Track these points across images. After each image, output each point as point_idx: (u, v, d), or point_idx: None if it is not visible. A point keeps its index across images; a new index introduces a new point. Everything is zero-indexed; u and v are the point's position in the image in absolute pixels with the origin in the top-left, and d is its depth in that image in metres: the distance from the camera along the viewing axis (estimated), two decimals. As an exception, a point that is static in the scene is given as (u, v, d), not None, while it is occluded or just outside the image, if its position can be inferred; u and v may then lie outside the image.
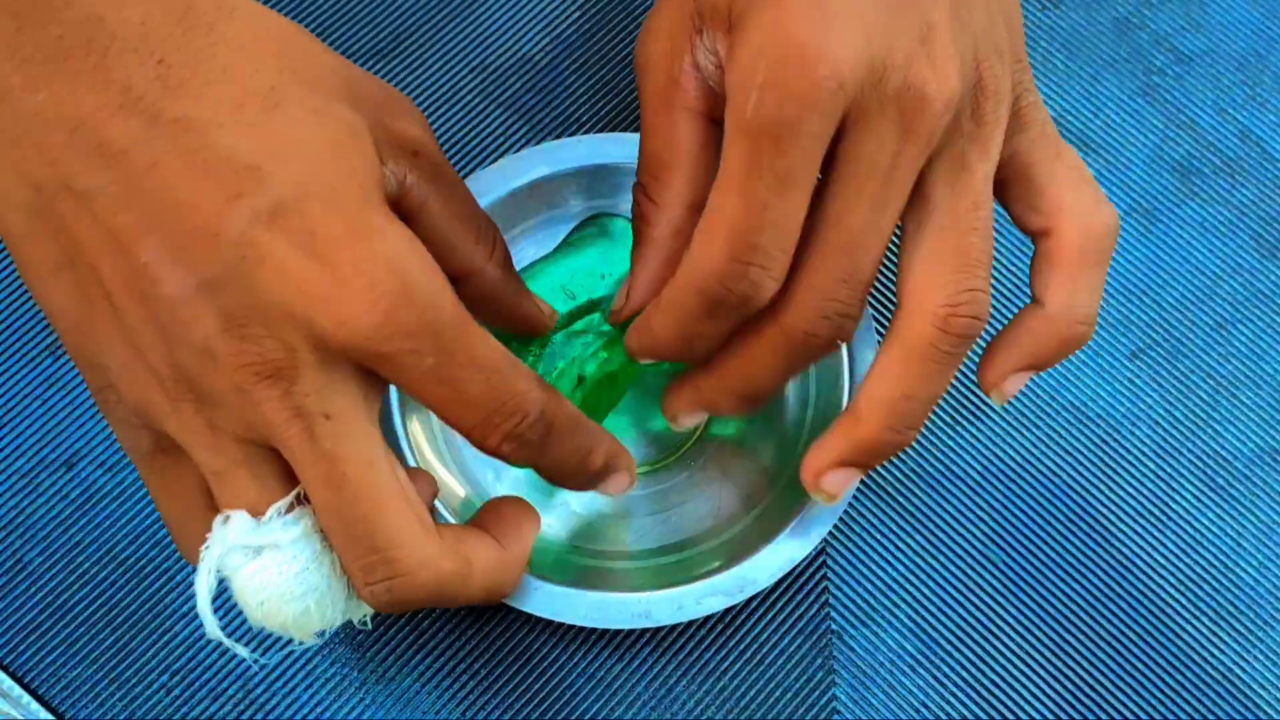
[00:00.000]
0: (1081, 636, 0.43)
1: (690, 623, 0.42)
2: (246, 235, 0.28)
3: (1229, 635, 0.43)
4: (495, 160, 0.46)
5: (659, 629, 0.42)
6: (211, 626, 0.31)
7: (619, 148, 0.44)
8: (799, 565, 0.41)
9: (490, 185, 0.44)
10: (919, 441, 0.45)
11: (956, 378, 0.46)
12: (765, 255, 0.32)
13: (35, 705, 0.40)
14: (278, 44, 0.31)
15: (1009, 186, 0.36)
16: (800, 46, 0.30)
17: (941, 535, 0.44)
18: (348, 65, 0.33)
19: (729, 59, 0.32)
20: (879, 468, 0.44)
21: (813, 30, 0.30)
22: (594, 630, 0.42)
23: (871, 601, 0.43)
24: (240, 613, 0.32)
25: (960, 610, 0.43)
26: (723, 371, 0.36)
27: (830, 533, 0.44)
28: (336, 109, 0.31)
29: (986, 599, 0.43)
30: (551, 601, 0.39)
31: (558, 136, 0.49)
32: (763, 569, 0.40)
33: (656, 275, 0.36)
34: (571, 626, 0.42)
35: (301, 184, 0.29)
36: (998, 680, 0.42)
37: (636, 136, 0.45)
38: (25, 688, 0.40)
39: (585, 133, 0.49)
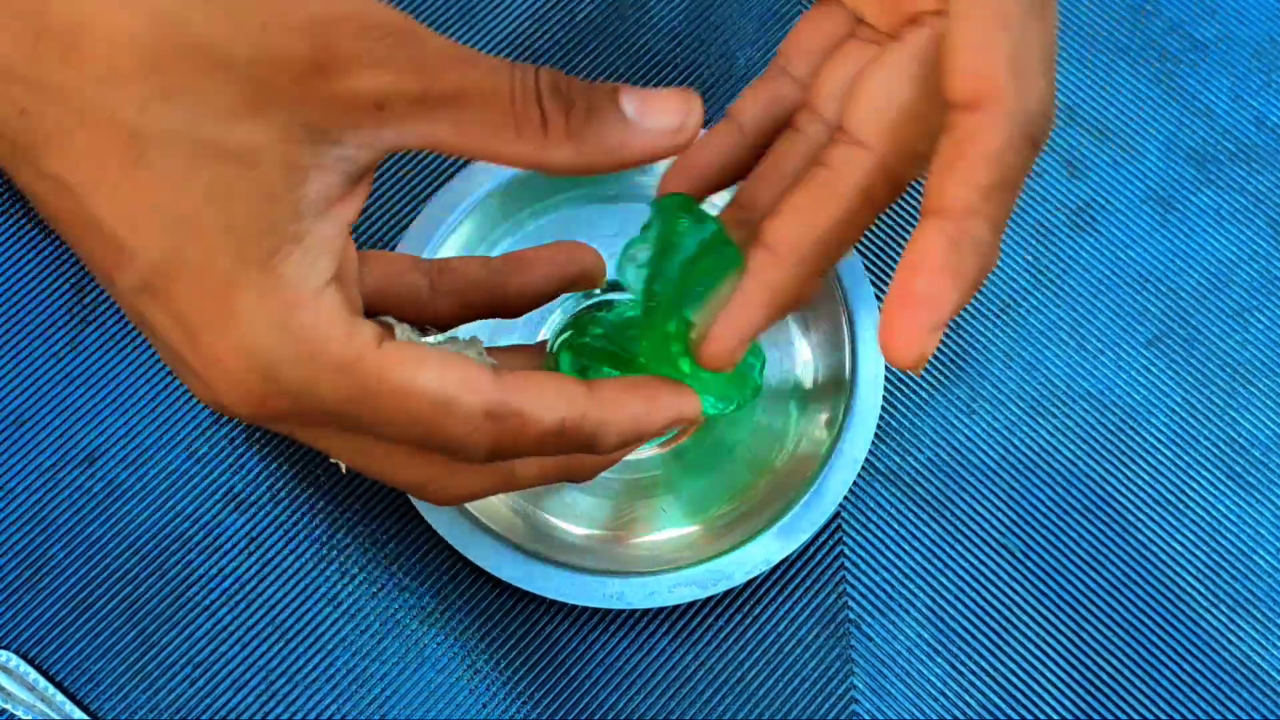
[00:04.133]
0: (1100, 624, 0.43)
1: (708, 611, 0.43)
2: (133, 304, 0.28)
3: (1247, 623, 0.43)
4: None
5: (674, 618, 0.42)
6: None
7: None
8: (783, 562, 0.41)
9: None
10: (936, 429, 0.45)
11: (969, 366, 0.46)
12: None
13: (60, 697, 0.41)
14: (147, 53, 0.26)
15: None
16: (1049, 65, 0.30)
17: (959, 523, 0.44)
18: (254, 33, 0.26)
19: (998, 54, 0.30)
20: (897, 456, 0.45)
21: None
22: (612, 619, 0.42)
23: (889, 590, 0.43)
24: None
25: (978, 599, 0.43)
26: (805, 248, 0.34)
27: (846, 521, 0.44)
28: (219, 136, 0.26)
29: (1005, 587, 0.43)
30: (527, 573, 0.40)
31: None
32: (738, 565, 0.40)
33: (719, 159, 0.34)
34: (588, 615, 0.42)
35: (164, 260, 0.27)
36: (1016, 668, 0.42)
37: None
38: (50, 680, 0.41)
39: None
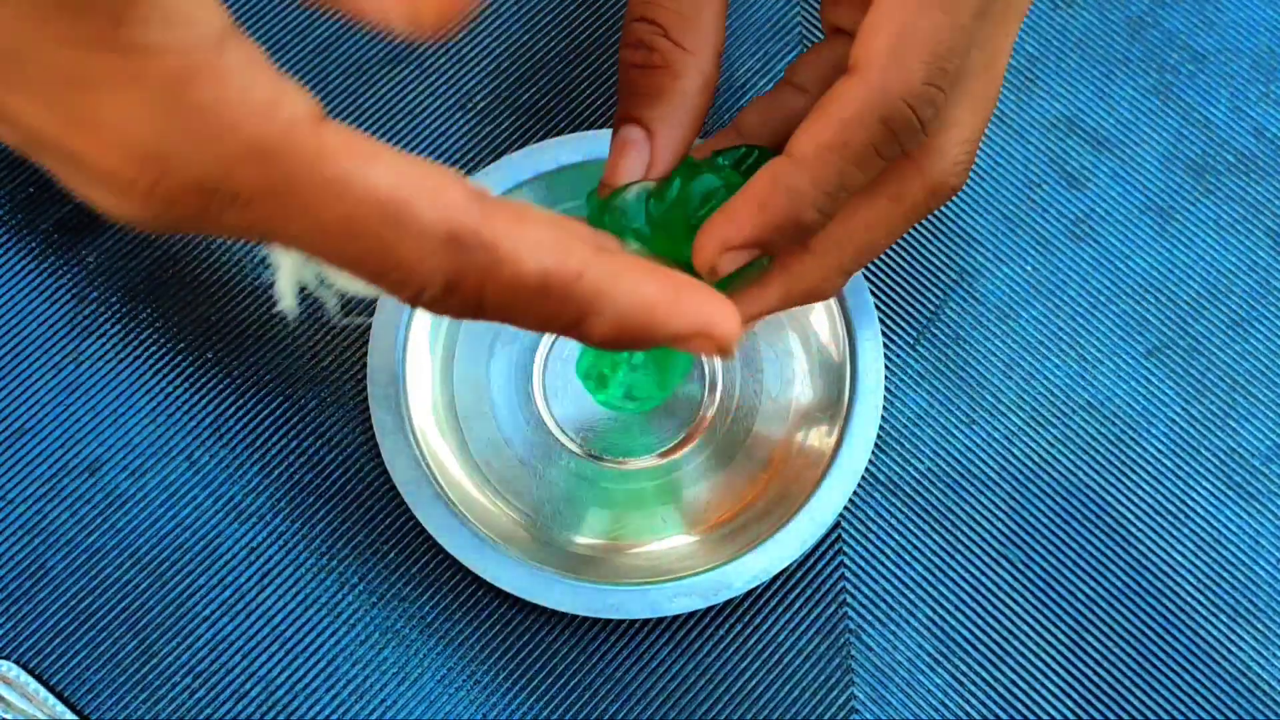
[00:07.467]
0: (1100, 635, 0.43)
1: (708, 621, 0.42)
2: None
3: (1247, 633, 0.43)
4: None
5: (675, 628, 0.42)
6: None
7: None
8: (783, 572, 0.41)
9: (520, 168, 0.45)
10: (936, 439, 0.45)
11: (969, 376, 0.46)
12: (950, 83, 0.29)
13: (60, 707, 0.41)
14: None
15: None
16: None
17: (959, 533, 0.44)
18: None
19: (881, 34, 0.29)
20: (897, 466, 0.45)
21: None
22: (612, 629, 0.42)
23: (889, 600, 0.43)
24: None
25: (978, 609, 0.43)
26: (839, 248, 0.32)
27: (846, 531, 0.44)
28: None
29: (1005, 597, 0.43)
30: (527, 584, 0.40)
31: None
32: (739, 574, 0.40)
33: (686, 135, 0.31)
34: (588, 625, 0.42)
35: None
36: (1016, 679, 0.42)
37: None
38: (50, 690, 0.41)
39: (600, 135, 0.49)
